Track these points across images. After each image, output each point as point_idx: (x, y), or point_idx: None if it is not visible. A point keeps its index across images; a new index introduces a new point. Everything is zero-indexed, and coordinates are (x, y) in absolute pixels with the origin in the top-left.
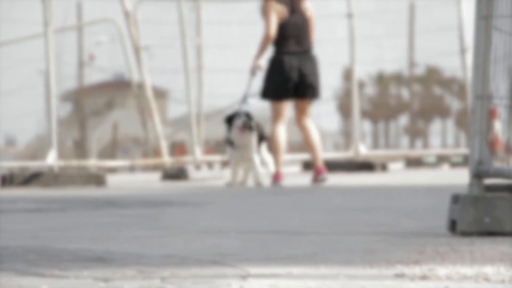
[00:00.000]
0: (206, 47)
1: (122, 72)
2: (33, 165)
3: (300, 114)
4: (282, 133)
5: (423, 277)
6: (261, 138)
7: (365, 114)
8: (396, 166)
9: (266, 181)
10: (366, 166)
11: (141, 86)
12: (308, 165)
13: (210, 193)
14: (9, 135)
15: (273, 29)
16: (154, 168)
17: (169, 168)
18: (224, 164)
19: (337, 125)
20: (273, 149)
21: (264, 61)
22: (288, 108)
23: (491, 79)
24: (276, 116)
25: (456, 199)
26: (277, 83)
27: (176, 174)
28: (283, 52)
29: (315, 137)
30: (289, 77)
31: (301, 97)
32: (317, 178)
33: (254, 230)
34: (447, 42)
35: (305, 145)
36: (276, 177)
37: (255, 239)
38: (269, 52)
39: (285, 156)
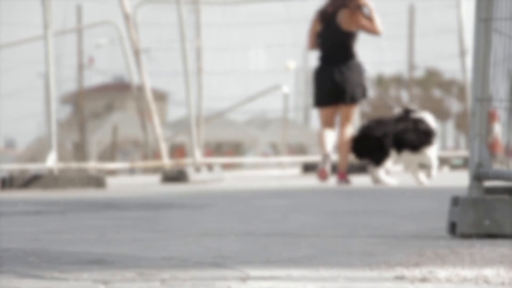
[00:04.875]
0: (206, 49)
1: (122, 75)
2: (33, 167)
3: (340, 118)
4: (327, 136)
5: (423, 280)
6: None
7: (364, 116)
8: (396, 168)
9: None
10: (365, 168)
11: (140, 89)
12: (308, 168)
13: (210, 196)
14: (9, 138)
15: (308, 42)
16: (154, 170)
17: (169, 171)
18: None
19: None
20: (320, 150)
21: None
22: (329, 114)
23: (491, 82)
24: (320, 121)
25: (455, 201)
26: (314, 91)
27: (176, 176)
28: (320, 62)
29: (344, 145)
30: (321, 85)
31: (336, 103)
32: (338, 181)
33: (254, 232)
34: (446, 44)
35: (337, 147)
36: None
37: (254, 242)
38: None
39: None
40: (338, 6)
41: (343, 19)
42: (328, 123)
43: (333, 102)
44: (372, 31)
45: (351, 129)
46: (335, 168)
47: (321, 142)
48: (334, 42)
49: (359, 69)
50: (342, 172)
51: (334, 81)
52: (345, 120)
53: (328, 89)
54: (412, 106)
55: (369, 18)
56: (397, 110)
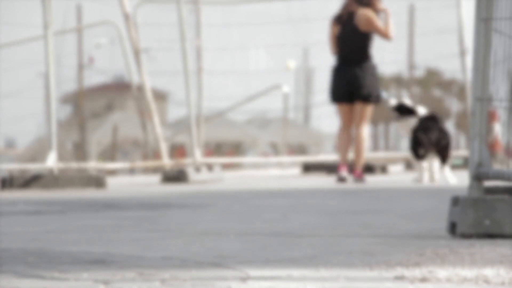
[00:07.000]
0: (206, 49)
1: (122, 75)
2: (33, 167)
3: (356, 116)
4: (342, 136)
5: (423, 279)
6: None
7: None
8: (396, 169)
9: None
10: (366, 168)
11: (140, 89)
12: (308, 168)
13: (210, 196)
14: (9, 138)
15: (331, 48)
16: (154, 170)
17: (169, 170)
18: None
19: (337, 128)
20: (337, 149)
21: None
22: (347, 111)
23: (491, 81)
24: (340, 119)
25: (456, 201)
26: (331, 88)
27: (176, 176)
28: (337, 61)
29: (360, 143)
30: (337, 83)
31: (352, 101)
32: (354, 179)
33: (254, 232)
34: (447, 44)
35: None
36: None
37: (254, 241)
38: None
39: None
40: (354, 8)
41: (359, 20)
42: (346, 122)
43: (349, 99)
44: (384, 34)
45: (367, 128)
46: (351, 167)
47: (340, 150)
48: (351, 43)
49: (373, 72)
50: (358, 170)
51: (350, 80)
52: (361, 118)
53: (344, 88)
54: (406, 100)
55: (384, 23)
56: (392, 102)
